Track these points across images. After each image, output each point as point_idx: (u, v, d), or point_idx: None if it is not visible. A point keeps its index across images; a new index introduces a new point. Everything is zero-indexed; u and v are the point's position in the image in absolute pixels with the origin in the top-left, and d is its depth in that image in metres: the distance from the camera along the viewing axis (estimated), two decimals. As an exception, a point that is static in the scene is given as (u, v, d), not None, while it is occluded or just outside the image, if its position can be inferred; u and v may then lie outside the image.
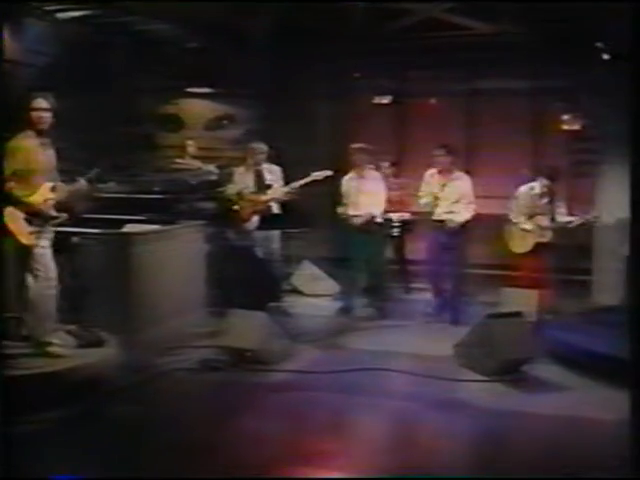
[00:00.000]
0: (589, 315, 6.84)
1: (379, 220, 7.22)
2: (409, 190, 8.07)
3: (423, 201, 7.04)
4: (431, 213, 6.99)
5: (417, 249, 7.99)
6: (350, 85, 10.08)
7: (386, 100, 9.76)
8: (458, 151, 7.21)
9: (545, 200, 6.90)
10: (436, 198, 6.89)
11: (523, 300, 6.60)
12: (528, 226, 6.90)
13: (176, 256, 6.39)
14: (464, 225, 6.89)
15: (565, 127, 9.06)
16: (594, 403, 4.86)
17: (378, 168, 7.64)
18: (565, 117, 9.01)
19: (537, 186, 6.95)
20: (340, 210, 7.21)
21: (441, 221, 6.90)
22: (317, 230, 8.15)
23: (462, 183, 6.94)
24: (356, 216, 7.04)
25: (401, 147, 9.91)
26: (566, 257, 8.11)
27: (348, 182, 7.22)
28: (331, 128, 9.88)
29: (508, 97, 9.41)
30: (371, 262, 7.23)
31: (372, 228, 7.08)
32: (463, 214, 6.87)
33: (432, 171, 7.03)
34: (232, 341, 5.68)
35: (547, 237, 6.90)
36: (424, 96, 9.87)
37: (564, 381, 5.37)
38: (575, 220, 6.88)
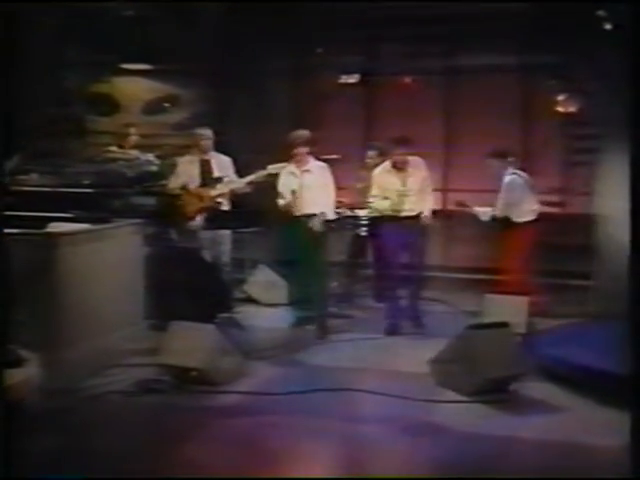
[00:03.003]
0: (586, 326, 6.95)
1: (331, 218, 7.26)
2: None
3: (381, 205, 7.14)
4: (397, 211, 7.09)
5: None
6: (311, 62, 10.12)
7: (353, 79, 9.82)
8: (415, 145, 7.29)
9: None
10: (401, 195, 7.01)
11: (510, 308, 6.71)
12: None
13: (110, 260, 6.36)
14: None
15: (560, 109, 9.19)
16: (591, 426, 4.91)
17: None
18: (560, 98, 9.13)
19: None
20: (282, 208, 7.17)
21: (412, 217, 7.01)
22: (274, 230, 8.18)
23: (420, 169, 7.15)
24: (303, 215, 7.04)
25: (370, 132, 9.98)
26: (561, 258, 8.27)
27: (288, 177, 7.15)
28: (290, 112, 9.90)
29: (493, 75, 9.52)
30: (316, 266, 7.16)
31: (321, 228, 7.06)
32: (429, 202, 7.13)
33: (384, 167, 7.14)
34: (175, 359, 5.66)
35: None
36: (397, 74, 9.93)
37: (557, 401, 5.43)
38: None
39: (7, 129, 4.79)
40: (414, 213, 7.06)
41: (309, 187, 7.05)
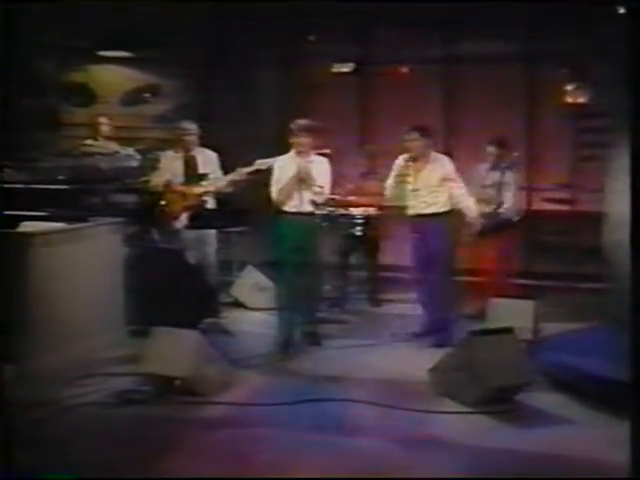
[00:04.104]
0: (597, 331, 6.94)
1: (321, 212, 7.23)
2: (375, 178, 8.17)
3: (392, 192, 7.13)
4: (404, 207, 7.11)
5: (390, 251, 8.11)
6: (303, 50, 10.12)
7: (347, 68, 9.83)
8: (434, 134, 7.29)
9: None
10: (415, 190, 7.00)
11: (515, 313, 6.72)
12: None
13: (87, 262, 6.36)
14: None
15: (568, 100, 9.21)
16: (603, 440, 4.88)
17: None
18: (568, 88, 9.15)
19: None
20: (274, 202, 6.98)
21: (421, 215, 7.01)
22: (262, 230, 8.16)
23: (443, 164, 7.10)
24: (298, 212, 6.92)
25: (366, 125, 9.99)
26: (570, 260, 8.29)
27: (289, 164, 6.92)
28: (280, 103, 9.90)
29: (497, 64, 9.53)
30: (308, 267, 7.00)
31: (312, 222, 7.00)
32: (466, 199, 7.13)
33: (404, 157, 7.13)
34: (157, 367, 5.64)
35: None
36: (393, 63, 9.95)
37: (565, 413, 5.42)
38: None
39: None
40: (428, 211, 7.03)
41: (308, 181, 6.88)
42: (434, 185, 7.03)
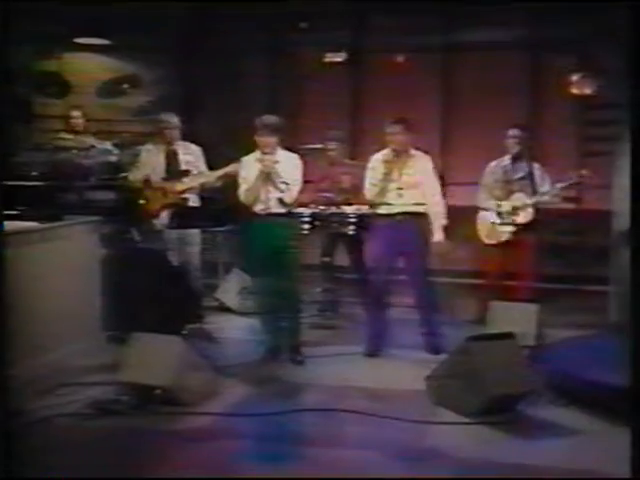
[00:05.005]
0: (604, 337, 6.96)
1: (300, 213, 7.23)
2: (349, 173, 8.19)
3: (373, 191, 7.11)
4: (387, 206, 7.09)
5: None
6: (293, 38, 10.13)
7: (339, 58, 9.85)
8: (416, 128, 7.26)
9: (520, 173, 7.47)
10: (399, 188, 7.00)
11: (516, 317, 6.75)
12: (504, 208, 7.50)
13: (61, 264, 6.35)
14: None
15: (573, 91, 9.24)
16: (610, 453, 4.84)
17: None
18: (574, 78, 9.18)
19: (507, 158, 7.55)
20: (243, 202, 6.94)
21: (404, 214, 7.01)
22: (247, 229, 8.18)
23: (424, 163, 7.10)
24: (269, 214, 6.85)
25: (359, 118, 10.01)
26: (575, 261, 8.32)
27: (252, 163, 6.91)
28: (269, 94, 9.92)
29: (498, 53, 9.57)
30: (283, 269, 6.94)
31: (284, 223, 6.92)
32: (437, 204, 7.04)
33: (383, 153, 7.13)
34: (136, 376, 5.65)
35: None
36: (388, 52, 9.97)
37: (570, 424, 5.44)
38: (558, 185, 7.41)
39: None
40: (408, 211, 7.02)
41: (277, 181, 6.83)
42: (417, 183, 7.03)
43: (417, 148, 7.10)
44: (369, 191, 7.11)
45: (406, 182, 7.00)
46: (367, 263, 7.80)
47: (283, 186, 6.71)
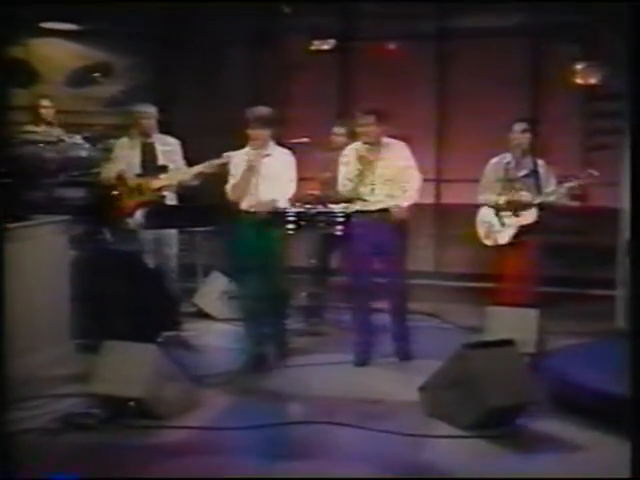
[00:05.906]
0: (610, 344, 6.96)
1: (285, 212, 7.23)
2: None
3: (348, 187, 7.09)
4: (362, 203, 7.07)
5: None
6: (278, 25, 10.13)
7: (327, 45, 9.86)
8: (390, 118, 7.24)
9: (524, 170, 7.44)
10: (372, 183, 7.00)
11: (516, 323, 6.77)
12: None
13: (29, 266, 6.34)
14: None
15: (577, 81, 9.25)
16: (616, 467, 4.75)
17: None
18: (578, 67, 9.19)
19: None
20: (230, 201, 7.03)
21: (383, 210, 6.99)
22: (230, 230, 8.19)
23: (400, 152, 7.11)
24: (252, 208, 6.92)
25: (348, 110, 10.01)
26: (581, 263, 8.34)
27: (242, 158, 7.00)
28: (251, 85, 9.91)
29: (496, 40, 9.58)
30: (268, 271, 6.99)
31: (273, 222, 6.92)
32: (409, 194, 7.03)
33: (356, 146, 7.12)
34: (109, 387, 5.64)
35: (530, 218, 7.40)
36: (379, 39, 9.98)
37: (573, 436, 5.45)
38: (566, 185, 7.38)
39: None
40: (384, 206, 6.99)
41: (267, 176, 6.89)
42: (392, 176, 7.02)
43: (391, 136, 7.11)
44: (343, 187, 7.10)
45: (381, 175, 7.00)
46: (348, 266, 7.78)
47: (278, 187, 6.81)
